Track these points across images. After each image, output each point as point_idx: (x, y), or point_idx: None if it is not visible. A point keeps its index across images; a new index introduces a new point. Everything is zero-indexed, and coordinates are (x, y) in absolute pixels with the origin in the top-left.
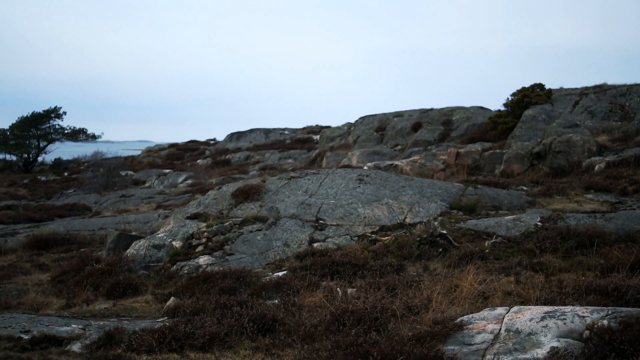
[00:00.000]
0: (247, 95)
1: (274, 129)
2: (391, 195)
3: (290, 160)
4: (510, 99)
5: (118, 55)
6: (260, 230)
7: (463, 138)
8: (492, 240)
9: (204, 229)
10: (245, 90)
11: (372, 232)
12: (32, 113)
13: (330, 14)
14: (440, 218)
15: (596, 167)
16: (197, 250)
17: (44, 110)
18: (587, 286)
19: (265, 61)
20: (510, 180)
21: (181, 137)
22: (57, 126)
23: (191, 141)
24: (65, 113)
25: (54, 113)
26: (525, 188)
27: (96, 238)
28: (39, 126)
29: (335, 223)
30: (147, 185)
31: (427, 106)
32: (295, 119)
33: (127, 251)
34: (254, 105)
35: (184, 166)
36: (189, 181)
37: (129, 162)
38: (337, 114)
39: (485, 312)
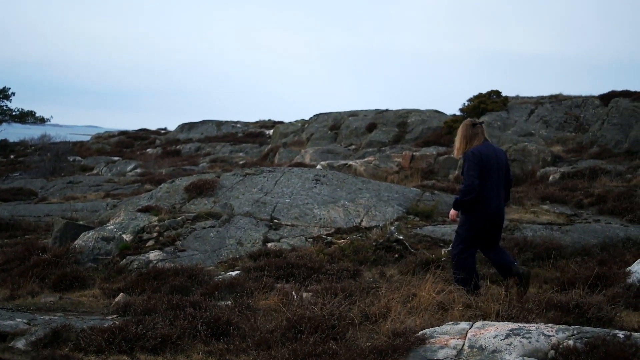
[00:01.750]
0: (200, 86)
1: (226, 121)
2: (348, 197)
3: (241, 154)
4: (466, 104)
5: (70, 37)
6: (214, 227)
7: (418, 141)
8: (449, 248)
9: (156, 223)
10: (197, 81)
11: (328, 234)
12: None
13: (288, 9)
14: (397, 223)
15: (550, 178)
16: (147, 244)
17: None
18: (548, 302)
19: (219, 52)
20: None
21: (131, 125)
22: (4, 107)
23: (142, 129)
24: (13, 94)
25: (2, 93)
26: None
27: (42, 225)
28: None
29: (290, 223)
30: (95, 172)
31: (383, 107)
32: (247, 113)
33: (75, 242)
34: (206, 97)
35: (133, 155)
36: (138, 170)
37: (78, 147)
38: (290, 110)
39: (447, 327)
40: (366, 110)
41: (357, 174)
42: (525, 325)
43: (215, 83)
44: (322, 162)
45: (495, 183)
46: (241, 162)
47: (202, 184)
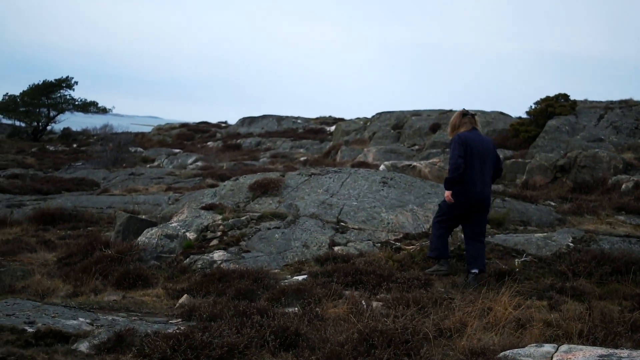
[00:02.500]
0: (261, 79)
1: (287, 116)
2: (416, 202)
3: (302, 150)
4: (533, 107)
5: (132, 27)
6: (279, 228)
7: None
8: (522, 259)
9: (220, 222)
10: (259, 73)
11: (396, 240)
12: (44, 82)
13: (349, 3)
14: None
15: (623, 186)
16: (211, 244)
17: (55, 80)
18: (634, 323)
19: (281, 48)
20: (537, 193)
21: (191, 117)
22: (68, 96)
23: (202, 122)
24: (76, 83)
25: (66, 83)
26: (553, 204)
27: (104, 216)
28: (50, 95)
29: (357, 227)
30: (156, 164)
31: (446, 107)
32: (308, 108)
33: (139, 239)
34: (267, 90)
35: (194, 147)
36: (199, 163)
37: (139, 138)
38: (350, 106)
39: (531, 349)
40: (429, 110)
41: (422, 176)
42: (615, 351)
43: (275, 76)
44: (386, 162)
45: (480, 168)
46: (302, 159)
47: (267, 183)
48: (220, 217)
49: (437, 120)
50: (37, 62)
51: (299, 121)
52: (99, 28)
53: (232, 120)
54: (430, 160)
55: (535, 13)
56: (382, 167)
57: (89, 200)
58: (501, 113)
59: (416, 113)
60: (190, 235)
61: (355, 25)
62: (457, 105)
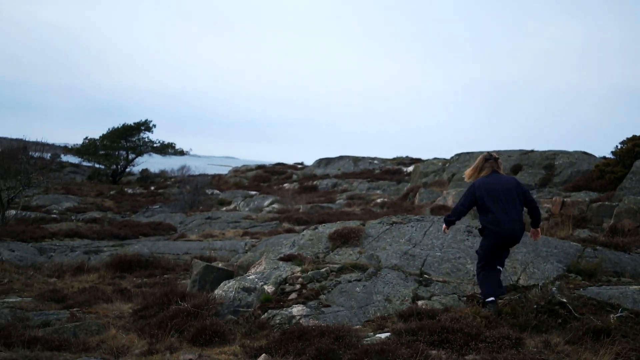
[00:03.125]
0: (337, 119)
1: (363, 157)
2: None
3: (378, 191)
4: (619, 147)
5: (209, 69)
6: (360, 280)
7: (567, 185)
8: (618, 314)
9: (299, 274)
10: (335, 114)
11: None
12: (123, 125)
13: (422, 41)
14: (557, 282)
15: None
16: (290, 297)
17: (134, 123)
18: None
19: (356, 86)
20: (629, 240)
21: (267, 157)
22: (146, 139)
23: (278, 164)
24: (155, 126)
25: (144, 126)
26: None
27: (180, 263)
28: (129, 138)
29: (441, 279)
30: (232, 206)
31: (527, 147)
32: (384, 149)
33: (216, 292)
34: (343, 131)
35: (270, 189)
36: (275, 205)
37: (216, 180)
38: (427, 146)
39: None
40: (510, 151)
41: None
42: None
43: (351, 116)
44: None
45: (503, 208)
46: (379, 200)
47: (347, 233)
48: (299, 269)
49: (518, 160)
50: (116, 105)
51: (375, 162)
52: (177, 70)
53: (308, 160)
54: None
55: (613, 47)
56: None
57: (165, 246)
58: (584, 153)
59: (497, 154)
60: (268, 288)
61: (429, 63)
62: (538, 145)
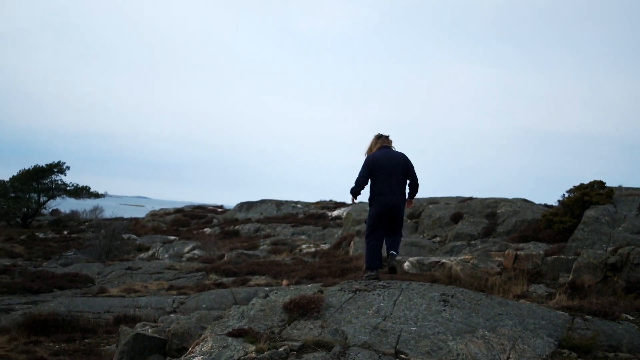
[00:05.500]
0: (255, 163)
1: (286, 201)
2: (487, 325)
3: (304, 237)
4: (566, 195)
5: (119, 110)
6: None
7: (512, 235)
8: None
9: (253, 354)
10: (252, 157)
11: None
12: (35, 167)
13: (341, 84)
14: None
15: None
16: None
17: (46, 165)
18: None
19: (271, 130)
20: (613, 307)
21: (181, 197)
22: (59, 181)
23: (198, 207)
24: (68, 168)
25: (57, 167)
26: (630, 318)
27: (102, 323)
28: (41, 180)
29: None
30: (150, 252)
31: (465, 194)
32: (306, 192)
33: None
34: (262, 174)
35: (190, 234)
36: (196, 252)
37: (132, 224)
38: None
39: None
40: (447, 198)
41: (453, 275)
42: None
43: (270, 158)
44: (410, 259)
45: (388, 181)
46: (304, 246)
47: (306, 303)
48: (253, 347)
49: (457, 209)
50: (26, 145)
51: (298, 206)
52: (86, 111)
53: (228, 203)
54: (462, 257)
55: (520, 91)
56: (406, 264)
57: (84, 304)
58: (525, 200)
59: (433, 201)
60: None
61: (343, 106)
62: (475, 192)
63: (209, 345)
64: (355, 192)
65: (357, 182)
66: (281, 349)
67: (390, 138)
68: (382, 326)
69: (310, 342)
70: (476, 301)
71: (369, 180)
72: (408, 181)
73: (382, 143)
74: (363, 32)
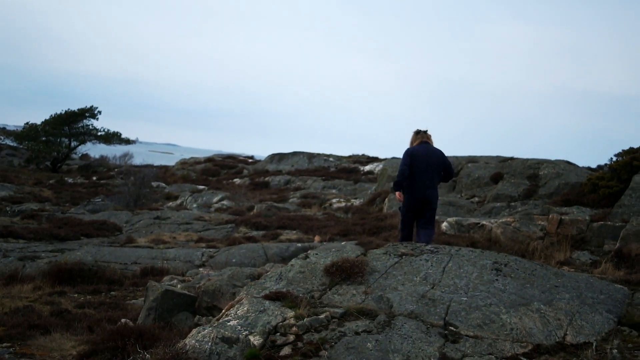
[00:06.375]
0: (288, 112)
1: (318, 154)
2: (542, 298)
3: (334, 191)
4: (614, 159)
5: (152, 55)
6: (370, 332)
7: (555, 198)
8: None
9: (292, 321)
10: (283, 105)
11: (524, 354)
12: (66, 111)
13: (376, 36)
14: (616, 342)
15: None
16: (282, 353)
17: (78, 109)
18: None
19: (306, 80)
20: None
21: (210, 145)
22: (90, 126)
23: (229, 157)
24: (100, 113)
25: (89, 112)
26: None
27: (128, 274)
28: (72, 125)
29: (472, 333)
30: (179, 201)
31: (506, 153)
32: (339, 145)
33: (187, 341)
34: (294, 124)
35: (220, 184)
36: (225, 202)
37: (162, 172)
38: (385, 144)
39: None
40: (486, 157)
41: (493, 238)
42: None
43: (302, 109)
44: (449, 219)
45: (423, 175)
46: (335, 200)
47: (349, 267)
48: (292, 313)
49: (497, 169)
50: (57, 89)
51: (330, 159)
52: (119, 55)
53: (258, 153)
54: (503, 220)
55: (565, 50)
56: (444, 224)
57: (111, 254)
58: (568, 162)
59: (472, 159)
60: (255, 340)
61: (383, 61)
62: (515, 153)
63: (245, 308)
64: (399, 184)
65: (400, 173)
66: (322, 316)
67: (429, 133)
68: (430, 295)
69: (353, 310)
70: (531, 271)
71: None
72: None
73: (421, 138)
74: None
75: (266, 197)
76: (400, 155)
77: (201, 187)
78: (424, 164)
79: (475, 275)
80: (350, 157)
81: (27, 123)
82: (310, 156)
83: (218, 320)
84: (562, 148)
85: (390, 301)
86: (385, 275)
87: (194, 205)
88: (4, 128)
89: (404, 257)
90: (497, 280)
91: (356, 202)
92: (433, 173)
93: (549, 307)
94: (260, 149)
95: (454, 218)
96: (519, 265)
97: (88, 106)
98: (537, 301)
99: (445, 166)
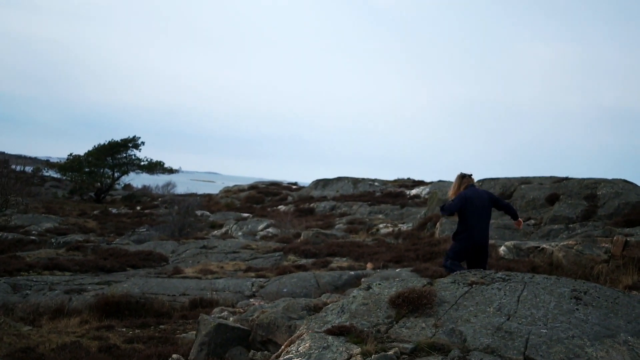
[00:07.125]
0: (329, 139)
1: (363, 178)
2: (629, 329)
3: (381, 216)
4: None
5: (193, 85)
6: None
7: (616, 219)
8: None
9: (359, 358)
10: (327, 132)
11: None
12: (109, 142)
13: (410, 59)
14: None
15: None
16: None
17: (121, 140)
18: None
19: (348, 106)
20: None
21: (252, 173)
22: (133, 157)
23: (272, 184)
24: (143, 143)
25: (132, 142)
26: None
27: (177, 307)
28: (116, 155)
29: None
30: (224, 230)
31: (560, 173)
32: (383, 170)
33: None
34: (337, 150)
35: (264, 211)
36: (271, 230)
37: (206, 201)
38: (429, 169)
39: None
40: (540, 177)
41: (555, 262)
42: None
43: (345, 135)
44: (507, 243)
45: (477, 219)
46: (382, 226)
47: (416, 298)
48: (358, 349)
49: (553, 189)
50: (98, 119)
51: (376, 184)
52: (160, 86)
53: (302, 180)
54: (565, 243)
55: (607, 69)
56: (502, 248)
57: (159, 285)
58: (627, 182)
59: (525, 180)
60: None
61: (423, 83)
62: (573, 173)
63: (307, 344)
64: (447, 210)
65: (449, 207)
66: (391, 352)
67: (473, 177)
68: (506, 327)
69: (424, 344)
70: (613, 299)
71: (460, 216)
72: (498, 210)
73: (467, 182)
74: (437, 8)
75: (312, 223)
76: (446, 178)
77: (245, 214)
78: (478, 207)
79: (554, 305)
80: (395, 181)
81: (70, 154)
82: (355, 181)
83: (277, 358)
84: (614, 168)
85: (463, 334)
86: (455, 306)
87: (240, 234)
88: (47, 160)
89: (474, 285)
90: (577, 309)
91: (404, 227)
92: (487, 215)
93: (637, 339)
94: (302, 176)
95: (512, 242)
96: (599, 293)
97: (131, 136)
98: (624, 332)
99: (496, 200)
